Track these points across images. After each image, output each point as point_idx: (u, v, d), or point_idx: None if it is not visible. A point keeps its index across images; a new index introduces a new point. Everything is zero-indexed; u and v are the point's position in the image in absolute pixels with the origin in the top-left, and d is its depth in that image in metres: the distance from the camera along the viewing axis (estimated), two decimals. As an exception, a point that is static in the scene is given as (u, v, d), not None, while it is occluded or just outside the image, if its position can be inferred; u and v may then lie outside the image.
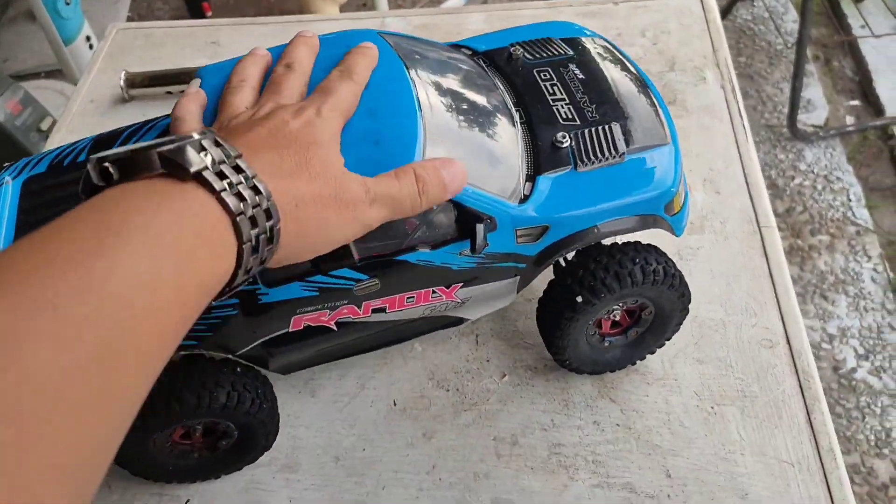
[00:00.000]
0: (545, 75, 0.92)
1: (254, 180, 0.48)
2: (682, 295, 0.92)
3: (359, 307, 0.85)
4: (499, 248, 0.85)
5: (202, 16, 3.36)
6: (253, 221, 0.48)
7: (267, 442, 0.96)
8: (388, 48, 0.84)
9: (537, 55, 0.95)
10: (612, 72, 0.94)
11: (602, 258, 0.88)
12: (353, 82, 0.68)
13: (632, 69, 0.96)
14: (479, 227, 0.80)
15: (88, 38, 2.56)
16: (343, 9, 3.03)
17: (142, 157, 0.44)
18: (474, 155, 0.83)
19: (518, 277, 0.91)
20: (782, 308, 1.06)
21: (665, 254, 0.90)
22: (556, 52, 0.95)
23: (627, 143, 0.85)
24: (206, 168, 0.45)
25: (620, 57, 0.98)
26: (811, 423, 0.96)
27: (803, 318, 1.23)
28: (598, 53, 0.97)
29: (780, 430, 0.96)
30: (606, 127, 0.86)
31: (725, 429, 0.97)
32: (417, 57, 0.88)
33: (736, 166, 1.23)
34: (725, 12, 3.70)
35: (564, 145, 0.85)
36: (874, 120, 3.33)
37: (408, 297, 0.87)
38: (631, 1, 1.60)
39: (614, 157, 0.84)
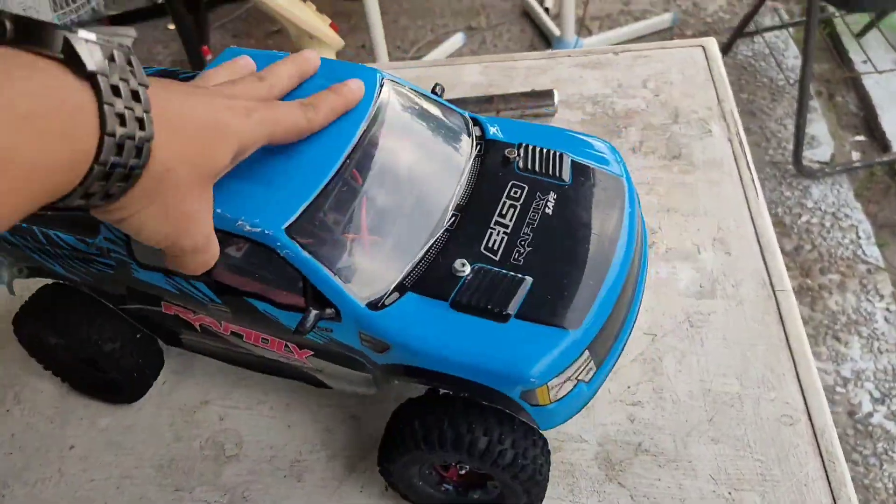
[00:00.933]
0: (515, 192, 0.83)
1: (140, 90, 0.47)
2: (527, 492, 0.80)
3: (219, 323, 0.87)
4: (343, 339, 0.80)
5: (202, 61, 3.35)
6: (122, 119, 0.45)
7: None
8: (368, 101, 0.80)
9: (532, 168, 0.85)
10: (593, 226, 0.80)
11: (452, 411, 0.78)
12: (307, 110, 0.71)
13: (632, 235, 0.82)
14: (311, 313, 0.75)
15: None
16: (340, 54, 3.02)
17: (48, 31, 0.42)
18: (361, 238, 0.78)
19: (371, 376, 0.84)
20: (802, 381, 0.99)
21: (539, 439, 0.79)
22: (552, 173, 0.84)
23: (525, 307, 0.73)
24: (104, 75, 0.44)
25: (627, 222, 0.82)
26: (839, 512, 0.88)
27: (815, 360, 1.15)
28: (601, 200, 0.83)
29: (806, 520, 0.88)
30: (515, 278, 0.75)
31: (746, 519, 0.89)
32: (395, 118, 0.83)
33: (747, 226, 1.17)
34: (726, 49, 3.68)
35: (459, 274, 0.76)
36: (881, 156, 3.28)
37: (263, 338, 0.86)
38: (632, 51, 1.56)
39: (498, 313, 0.73)
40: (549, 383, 0.73)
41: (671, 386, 1.02)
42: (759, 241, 1.14)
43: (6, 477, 1.03)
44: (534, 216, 0.81)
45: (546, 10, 3.95)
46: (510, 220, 0.81)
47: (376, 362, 0.81)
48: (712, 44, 1.54)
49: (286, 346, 0.86)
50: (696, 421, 0.98)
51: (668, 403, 1.00)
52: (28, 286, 1.06)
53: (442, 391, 0.82)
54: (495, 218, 0.81)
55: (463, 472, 0.86)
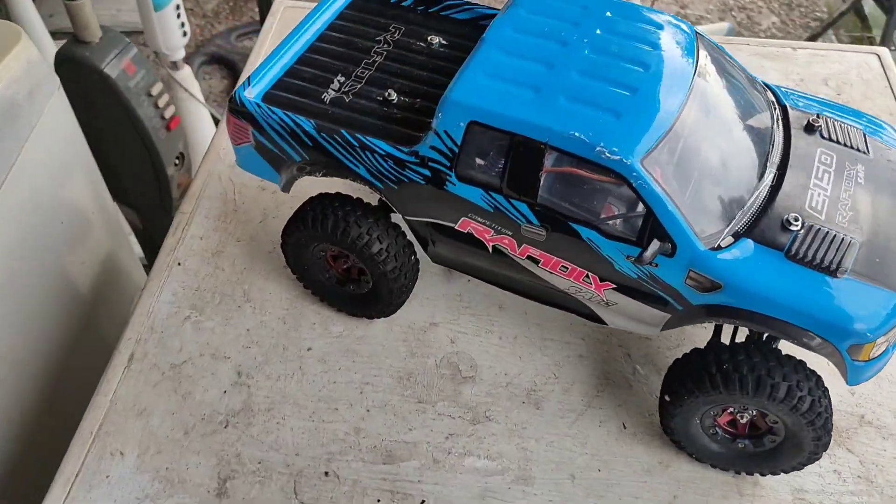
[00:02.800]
0: (825, 158, 0.89)
1: None
2: (818, 438, 0.85)
3: (518, 245, 0.90)
4: (665, 276, 0.84)
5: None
6: None
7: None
8: (691, 50, 0.86)
9: (835, 137, 0.91)
10: None
11: (758, 356, 0.84)
12: None
13: None
14: (655, 243, 0.80)
15: (178, 7, 2.50)
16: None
17: None
18: (699, 178, 0.83)
19: (669, 316, 0.90)
20: None
21: (825, 389, 0.85)
22: (855, 145, 0.91)
23: (858, 266, 0.79)
24: None
25: None
26: None
27: None
28: None
29: None
30: (844, 238, 0.80)
31: (971, 493, 0.97)
32: (711, 70, 0.88)
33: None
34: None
35: (792, 228, 0.82)
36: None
37: (562, 266, 0.90)
38: (809, 49, 1.61)
39: (833, 269, 0.78)
40: (877, 340, 0.79)
41: (889, 367, 1.08)
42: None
43: (249, 369, 1.06)
44: (848, 184, 0.87)
45: None
46: (827, 184, 0.86)
47: (692, 303, 0.85)
48: (887, 54, 1.60)
49: (586, 276, 0.90)
50: (915, 399, 1.05)
51: (885, 382, 1.07)
52: (287, 202, 1.08)
53: (730, 340, 0.88)
54: (812, 180, 0.87)
55: (743, 419, 0.92)
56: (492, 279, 1.02)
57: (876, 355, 0.82)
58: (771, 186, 0.87)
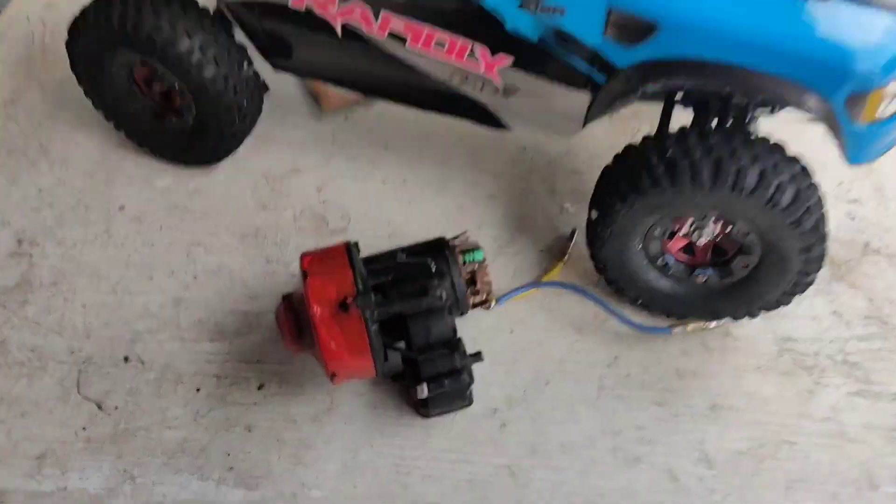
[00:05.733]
0: None
1: None
2: (808, 248, 0.61)
3: (374, 16, 0.65)
4: (577, 28, 0.59)
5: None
6: None
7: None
8: None
9: None
10: None
11: (716, 137, 0.59)
12: None
13: None
14: None
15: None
16: None
17: None
18: None
19: (590, 98, 0.64)
20: None
21: (814, 181, 0.62)
22: None
23: None
24: None
25: None
26: None
27: None
28: None
29: None
30: None
31: None
32: None
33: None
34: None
35: None
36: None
37: (437, 40, 0.64)
38: None
39: None
40: (884, 88, 0.53)
41: (892, 183, 0.82)
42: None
43: (35, 235, 0.78)
44: None
45: None
46: None
47: (617, 65, 0.59)
48: None
49: (471, 51, 0.63)
50: (935, 219, 0.79)
51: (892, 202, 0.81)
52: None
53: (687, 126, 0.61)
54: None
55: (701, 239, 0.65)
56: (351, 80, 0.75)
57: (884, 116, 0.56)
58: None
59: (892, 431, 0.64)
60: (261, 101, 0.81)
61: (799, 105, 0.58)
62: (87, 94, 0.82)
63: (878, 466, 0.61)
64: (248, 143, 0.85)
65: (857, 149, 0.59)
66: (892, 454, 0.62)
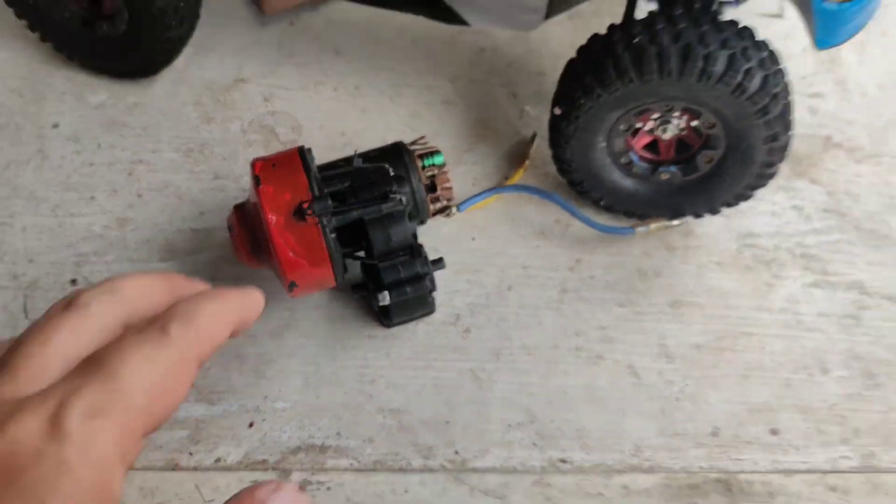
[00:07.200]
0: None
1: None
2: (773, 137, 0.59)
3: None
4: None
5: None
6: None
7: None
8: None
9: None
10: None
11: (684, 22, 0.57)
12: (170, 342, 0.28)
13: None
14: None
15: None
16: None
17: None
18: None
19: None
20: None
21: (781, 67, 0.59)
22: None
23: None
24: None
25: None
26: None
27: None
28: None
29: None
30: None
31: (973, 214, 0.72)
32: None
33: None
34: None
35: None
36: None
37: None
38: None
39: None
40: None
41: (855, 76, 0.81)
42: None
43: (-39, 156, 0.73)
44: None
45: None
46: None
47: None
48: None
49: None
50: (892, 113, 0.78)
51: (856, 96, 0.80)
52: None
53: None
54: None
55: (666, 134, 0.63)
56: None
57: None
58: None
59: (844, 318, 0.65)
60: (198, 4, 0.75)
61: None
62: (7, 2, 0.75)
63: (830, 352, 0.63)
64: (187, 52, 0.79)
65: (826, 30, 0.58)
66: (844, 340, 0.64)
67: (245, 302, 0.31)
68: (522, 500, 0.57)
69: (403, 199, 0.59)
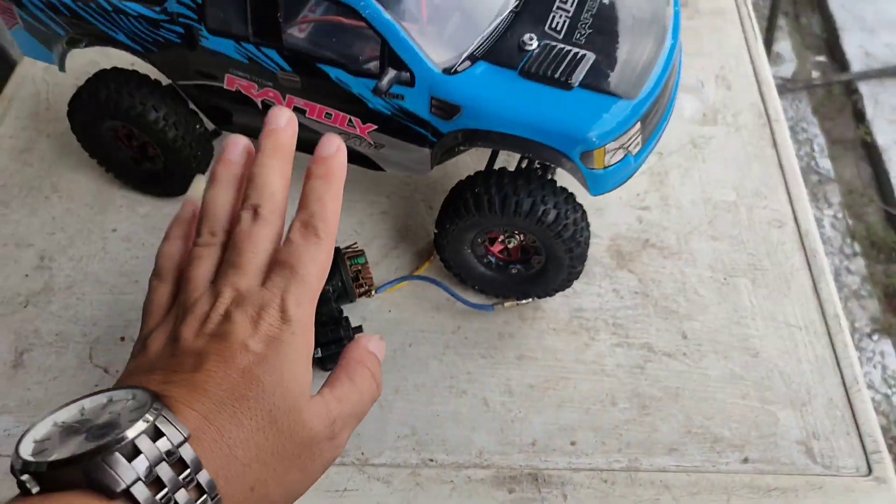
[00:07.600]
0: None
1: (198, 477, 0.39)
2: (569, 250, 0.89)
3: (282, 96, 0.91)
4: (413, 107, 0.86)
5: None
6: None
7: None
8: None
9: None
10: (638, 8, 0.89)
11: (501, 180, 0.87)
12: (322, 242, 0.49)
13: (677, 30, 0.90)
14: (390, 71, 0.82)
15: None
16: None
17: (63, 474, 0.36)
18: (434, 7, 0.85)
19: (430, 151, 0.91)
20: (791, 193, 1.12)
21: (578, 205, 0.89)
22: None
23: (588, 78, 0.81)
24: (138, 480, 0.37)
25: (673, 20, 0.90)
26: (818, 293, 1.02)
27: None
28: None
29: (789, 299, 1.02)
30: (578, 53, 0.82)
31: (738, 297, 1.02)
32: None
33: (746, 65, 1.27)
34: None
35: (528, 48, 0.83)
36: (839, 75, 3.44)
37: (326, 112, 0.91)
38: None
39: (564, 82, 0.80)
40: (606, 146, 0.82)
41: (675, 195, 1.13)
42: (757, 79, 1.24)
43: (52, 252, 1.08)
44: (592, 4, 0.89)
45: None
46: (570, 7, 0.88)
47: (443, 131, 0.87)
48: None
49: (349, 120, 0.92)
50: (697, 222, 1.10)
51: (673, 209, 1.11)
52: (78, 74, 1.09)
53: (494, 170, 0.91)
54: (557, 4, 0.88)
55: (511, 244, 0.95)
56: None
57: (612, 163, 0.84)
58: (514, 12, 0.88)
59: (633, 368, 0.93)
60: (212, 149, 1.11)
61: (554, 160, 0.83)
62: (83, 147, 1.11)
63: (619, 391, 0.91)
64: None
65: (596, 185, 0.84)
66: (630, 382, 0.91)
67: (341, 182, 0.53)
68: (401, 484, 0.88)
69: (330, 289, 0.92)
